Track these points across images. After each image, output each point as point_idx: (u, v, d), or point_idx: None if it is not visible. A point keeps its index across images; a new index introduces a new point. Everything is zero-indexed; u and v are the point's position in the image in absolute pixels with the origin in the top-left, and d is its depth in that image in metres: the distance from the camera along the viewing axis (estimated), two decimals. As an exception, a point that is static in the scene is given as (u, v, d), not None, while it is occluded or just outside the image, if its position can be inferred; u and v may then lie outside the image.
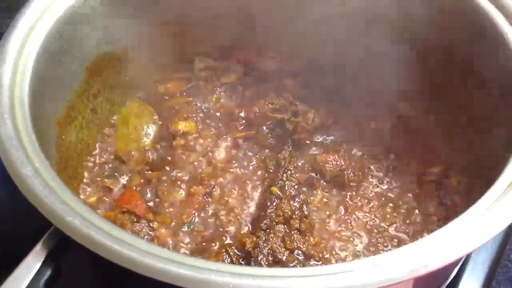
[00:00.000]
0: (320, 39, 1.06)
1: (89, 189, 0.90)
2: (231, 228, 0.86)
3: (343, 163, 0.91)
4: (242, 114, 0.99)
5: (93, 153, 0.94)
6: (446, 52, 0.90)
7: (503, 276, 1.00)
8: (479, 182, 0.74)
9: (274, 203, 0.86)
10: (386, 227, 0.86)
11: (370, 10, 0.97)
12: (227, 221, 0.87)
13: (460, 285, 0.86)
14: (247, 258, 0.80)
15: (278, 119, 0.98)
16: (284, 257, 0.80)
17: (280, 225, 0.83)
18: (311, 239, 0.84)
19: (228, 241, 0.84)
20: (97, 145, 0.95)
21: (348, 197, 0.90)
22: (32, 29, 0.77)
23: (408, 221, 0.87)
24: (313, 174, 0.92)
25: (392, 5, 0.94)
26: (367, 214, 0.88)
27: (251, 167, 0.94)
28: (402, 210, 0.88)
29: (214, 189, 0.90)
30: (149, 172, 0.92)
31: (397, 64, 1.00)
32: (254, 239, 0.80)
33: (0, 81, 0.70)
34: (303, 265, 0.80)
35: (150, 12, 0.94)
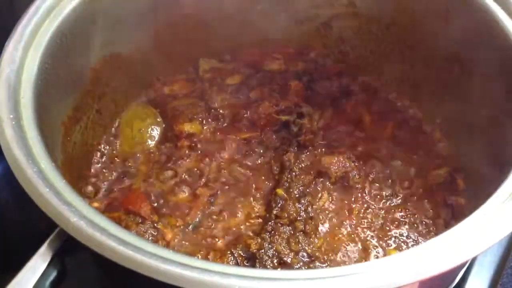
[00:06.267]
0: (325, 40, 1.06)
1: (94, 191, 0.90)
2: (236, 230, 0.86)
3: (348, 165, 0.91)
4: (247, 116, 0.99)
5: (98, 154, 0.94)
6: (452, 54, 0.90)
7: (507, 278, 0.99)
8: (485, 184, 0.74)
9: (279, 205, 0.86)
10: (392, 229, 0.86)
11: (377, 12, 0.97)
12: (232, 222, 0.87)
13: (466, 287, 0.86)
14: (252, 259, 0.80)
15: (283, 121, 0.98)
16: (289, 259, 0.80)
17: (285, 227, 0.83)
18: (316, 240, 0.84)
19: (233, 242, 0.84)
20: (102, 147, 0.95)
21: (353, 198, 0.89)
22: (38, 30, 0.77)
23: (414, 223, 0.87)
24: (318, 176, 0.91)
25: (398, 8, 0.94)
26: (372, 215, 0.88)
27: (256, 169, 0.94)
28: (408, 212, 0.88)
29: (218, 191, 0.90)
30: (154, 173, 0.92)
31: (402, 66, 1.01)
32: (259, 240, 0.81)
33: (7, 82, 0.70)
34: (308, 267, 0.80)
35: (155, 13, 0.95)
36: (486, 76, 0.84)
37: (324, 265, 0.81)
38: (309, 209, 0.87)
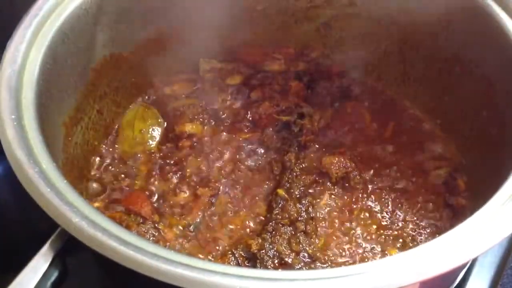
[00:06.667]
0: (326, 40, 1.06)
1: (95, 191, 0.90)
2: (237, 230, 0.86)
3: (349, 165, 0.91)
4: (247, 116, 1.00)
5: (99, 154, 0.94)
6: (452, 54, 0.90)
7: (507, 279, 0.99)
8: (486, 184, 0.74)
9: (280, 205, 0.86)
10: (393, 229, 0.86)
11: (377, 12, 0.97)
12: (233, 223, 0.87)
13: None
14: (253, 260, 0.80)
15: (284, 121, 0.98)
16: (290, 260, 0.80)
17: (286, 227, 0.83)
18: (317, 241, 0.84)
19: (234, 243, 0.84)
20: (103, 147, 0.95)
21: (354, 199, 0.89)
22: (39, 30, 0.77)
23: (414, 223, 0.87)
24: (319, 176, 0.91)
25: (399, 8, 0.94)
26: (373, 216, 0.88)
27: (256, 169, 0.94)
28: (408, 212, 0.88)
29: (219, 191, 0.90)
30: (155, 174, 0.92)
31: (402, 66, 1.01)
32: (260, 241, 0.81)
33: (8, 83, 0.70)
34: (309, 268, 0.80)
35: (156, 13, 0.95)
36: (486, 77, 0.84)
37: (325, 265, 0.81)
38: (310, 209, 0.87)
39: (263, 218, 0.87)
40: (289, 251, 0.81)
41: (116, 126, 0.98)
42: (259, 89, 1.04)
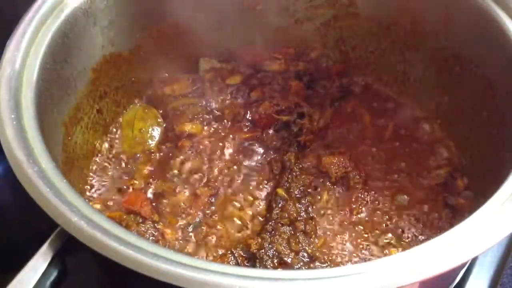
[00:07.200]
0: (325, 40, 1.06)
1: (94, 190, 0.90)
2: (236, 230, 0.86)
3: (348, 165, 0.91)
4: (247, 116, 1.00)
5: (99, 154, 0.94)
6: (452, 54, 0.90)
7: (507, 279, 0.99)
8: (486, 184, 0.74)
9: (280, 205, 0.86)
10: (393, 229, 0.86)
11: (377, 12, 0.97)
12: (232, 222, 0.87)
13: (466, 287, 0.86)
14: (253, 259, 0.80)
15: (284, 121, 0.98)
16: (290, 259, 0.80)
17: (285, 227, 0.83)
18: (317, 240, 0.84)
19: (233, 242, 0.84)
20: (102, 146, 0.95)
21: (353, 198, 0.89)
22: (39, 30, 0.77)
23: (414, 223, 0.87)
24: (318, 176, 0.91)
25: (398, 8, 0.94)
26: (372, 215, 0.88)
27: (256, 169, 0.94)
28: (409, 212, 0.88)
29: (219, 191, 0.90)
30: (155, 173, 0.92)
31: (403, 66, 1.01)
32: (259, 240, 0.81)
33: (8, 82, 0.70)
34: (308, 267, 0.80)
35: (156, 13, 0.95)
36: (486, 77, 0.84)
37: (324, 265, 0.82)
38: (310, 209, 0.87)
39: (263, 218, 0.87)
40: (289, 250, 0.81)
41: (116, 126, 0.98)
42: (259, 89, 1.04)
